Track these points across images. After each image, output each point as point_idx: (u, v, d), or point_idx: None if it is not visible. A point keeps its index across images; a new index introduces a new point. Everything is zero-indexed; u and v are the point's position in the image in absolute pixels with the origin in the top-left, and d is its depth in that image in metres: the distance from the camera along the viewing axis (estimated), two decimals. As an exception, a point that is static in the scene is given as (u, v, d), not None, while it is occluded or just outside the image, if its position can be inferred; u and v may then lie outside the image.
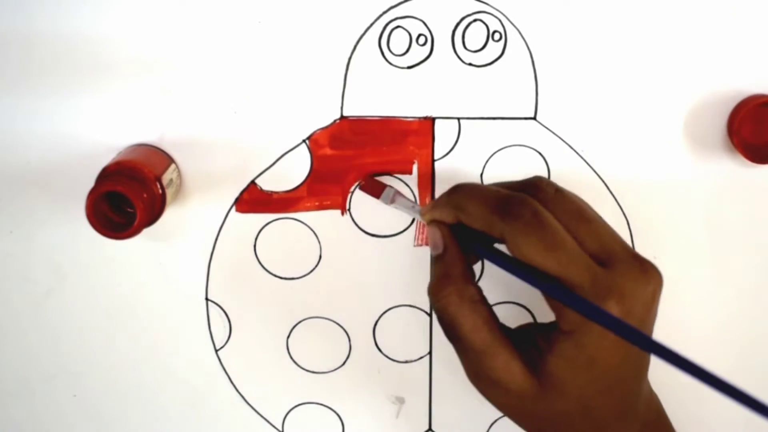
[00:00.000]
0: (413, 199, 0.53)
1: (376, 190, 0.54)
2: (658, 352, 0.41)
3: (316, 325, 0.57)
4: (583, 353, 0.43)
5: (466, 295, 0.45)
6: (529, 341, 0.45)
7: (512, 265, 0.44)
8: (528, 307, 0.58)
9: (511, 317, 0.58)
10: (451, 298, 0.44)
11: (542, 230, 0.42)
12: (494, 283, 0.57)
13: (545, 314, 0.58)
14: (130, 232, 0.48)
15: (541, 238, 0.42)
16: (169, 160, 0.54)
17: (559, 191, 0.45)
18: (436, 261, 0.47)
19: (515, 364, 0.44)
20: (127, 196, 0.48)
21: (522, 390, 0.44)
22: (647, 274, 0.43)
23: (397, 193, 0.53)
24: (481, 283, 0.57)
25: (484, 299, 0.46)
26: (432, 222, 0.47)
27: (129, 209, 0.50)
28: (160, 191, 0.51)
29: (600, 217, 0.45)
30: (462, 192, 0.46)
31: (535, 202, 0.43)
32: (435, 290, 0.45)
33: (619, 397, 0.45)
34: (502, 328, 0.46)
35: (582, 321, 0.42)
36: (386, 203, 0.53)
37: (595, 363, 0.43)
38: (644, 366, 0.47)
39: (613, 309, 0.41)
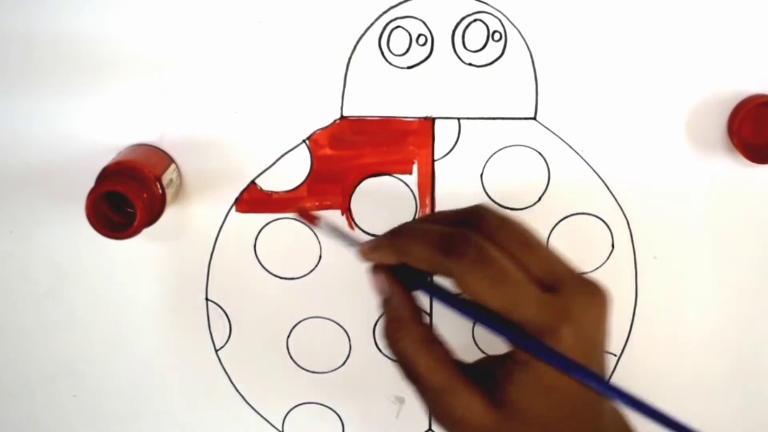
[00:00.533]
0: (351, 237, 0.49)
1: (311, 220, 0.52)
2: (602, 388, 0.42)
3: (316, 325, 0.57)
4: (541, 382, 0.42)
5: (418, 336, 0.44)
6: (487, 374, 0.45)
7: (458, 304, 0.44)
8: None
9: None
10: (406, 341, 0.44)
11: (488, 266, 0.42)
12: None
13: (545, 314, 0.58)
14: (130, 232, 0.48)
15: (488, 274, 0.41)
16: (169, 160, 0.54)
17: (502, 219, 0.45)
18: (384, 305, 0.46)
19: (475, 399, 0.43)
20: (127, 196, 0.48)
21: (485, 424, 0.43)
22: (594, 295, 0.44)
23: (336, 227, 0.50)
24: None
25: (437, 337, 0.45)
26: (373, 267, 0.46)
27: (129, 209, 0.50)
28: (160, 191, 0.51)
29: (544, 243, 0.45)
30: (404, 234, 0.45)
31: (478, 238, 0.43)
32: (387, 334, 0.45)
33: (584, 419, 0.45)
34: (460, 365, 0.45)
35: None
36: (324, 233, 0.51)
37: (554, 390, 0.43)
38: None
39: (565, 333, 0.41)
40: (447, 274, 0.42)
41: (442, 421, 0.45)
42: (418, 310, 0.46)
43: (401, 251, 0.44)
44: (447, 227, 0.44)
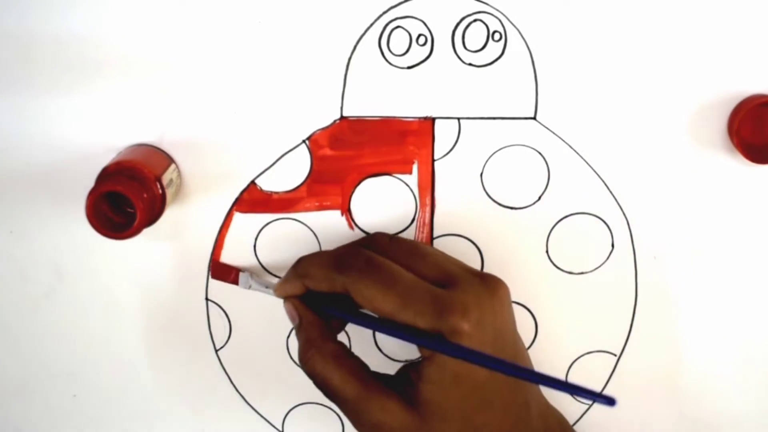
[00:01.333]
0: (266, 281, 0.55)
1: (227, 275, 0.56)
2: (494, 367, 0.43)
3: (264, 281, 0.57)
4: (447, 372, 0.44)
5: (327, 353, 0.47)
6: (404, 379, 0.47)
7: (358, 317, 0.47)
8: (528, 306, 0.58)
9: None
10: (315, 359, 0.47)
11: (377, 272, 0.45)
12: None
13: (545, 313, 0.58)
14: (130, 232, 0.48)
15: (377, 279, 0.44)
16: (169, 160, 0.54)
17: (393, 238, 0.49)
18: (297, 332, 0.49)
19: (391, 402, 0.46)
20: (127, 196, 0.48)
21: (404, 425, 0.45)
22: (490, 285, 0.46)
23: (252, 274, 0.55)
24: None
25: (348, 353, 0.48)
26: (285, 298, 0.50)
27: (129, 209, 0.50)
28: (160, 191, 0.51)
29: (437, 251, 0.49)
30: (304, 261, 0.49)
31: (367, 251, 0.46)
32: (300, 356, 0.48)
33: (502, 411, 0.47)
34: (376, 375, 0.48)
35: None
36: (245, 288, 0.55)
37: (461, 378, 0.44)
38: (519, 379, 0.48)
39: (460, 323, 0.43)
40: (343, 288, 0.46)
41: (363, 429, 0.47)
42: (326, 331, 0.49)
43: (303, 276, 0.48)
44: (338, 248, 0.49)
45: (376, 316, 0.47)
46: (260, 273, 0.56)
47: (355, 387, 0.46)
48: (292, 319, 0.50)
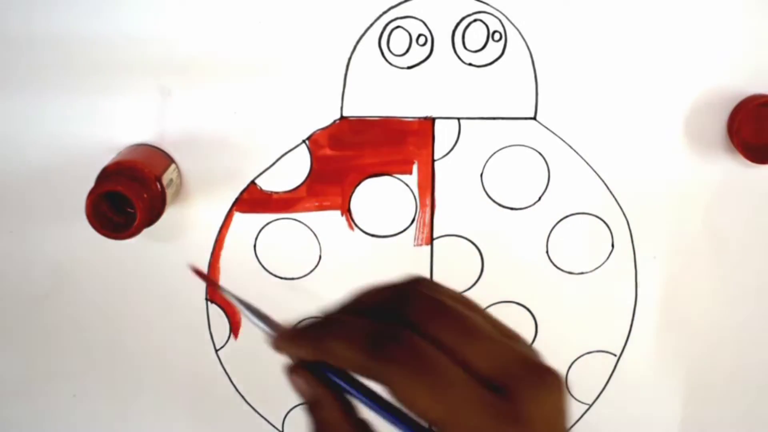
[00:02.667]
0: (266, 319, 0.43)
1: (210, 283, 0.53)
2: None
3: (252, 306, 0.57)
4: None
5: None
6: None
7: (392, 413, 0.37)
8: (528, 306, 0.58)
9: (511, 316, 0.57)
10: None
11: (425, 372, 0.36)
12: (494, 283, 0.57)
13: (545, 313, 0.58)
14: (131, 232, 0.48)
15: (425, 381, 0.35)
16: (169, 160, 0.54)
17: (440, 306, 0.38)
18: (310, 411, 0.40)
19: None
20: (127, 196, 0.48)
21: None
22: (547, 384, 0.37)
23: (249, 307, 0.44)
24: (481, 282, 0.57)
25: None
26: (290, 368, 0.40)
27: (129, 209, 0.50)
28: (160, 191, 0.51)
29: (486, 324, 0.38)
30: (324, 329, 0.38)
31: (412, 336, 0.36)
32: None
33: None
34: None
35: None
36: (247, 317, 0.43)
37: None
38: None
39: None
40: (376, 379, 0.37)
41: None
42: (348, 409, 0.39)
43: (321, 349, 0.38)
44: (373, 322, 0.38)
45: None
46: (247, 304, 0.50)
47: None
48: (301, 393, 0.40)
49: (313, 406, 0.39)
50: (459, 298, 0.39)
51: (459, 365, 0.36)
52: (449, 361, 0.36)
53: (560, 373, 0.38)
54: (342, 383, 0.38)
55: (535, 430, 0.36)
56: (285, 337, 0.40)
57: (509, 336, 0.38)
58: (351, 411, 0.39)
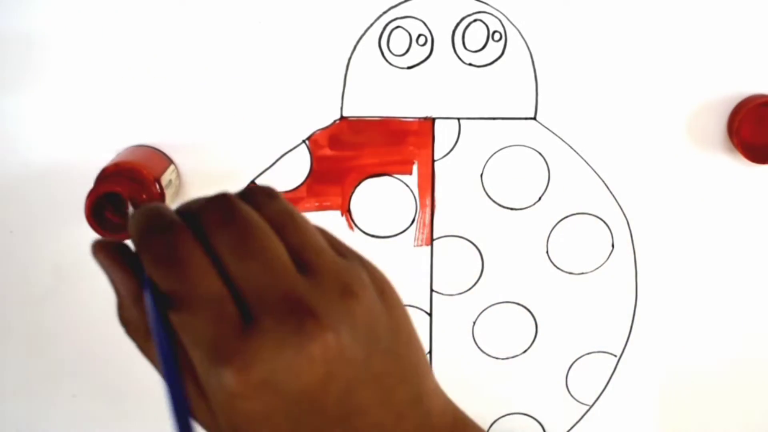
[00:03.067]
0: None
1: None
2: None
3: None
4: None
5: (141, 325, 0.36)
6: None
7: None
8: (528, 306, 0.58)
9: (511, 317, 0.58)
10: (130, 327, 0.37)
11: (169, 266, 0.33)
12: (494, 283, 0.57)
13: (545, 314, 0.58)
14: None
15: (166, 274, 0.33)
16: (168, 161, 0.54)
17: (232, 213, 0.34)
18: (111, 284, 0.37)
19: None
20: (126, 197, 0.48)
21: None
22: (301, 336, 0.31)
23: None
24: (481, 282, 0.57)
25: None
26: (96, 241, 0.37)
27: (128, 210, 0.50)
28: (159, 192, 0.51)
29: (279, 247, 0.33)
30: (136, 212, 0.36)
31: (181, 231, 0.33)
32: (118, 318, 0.37)
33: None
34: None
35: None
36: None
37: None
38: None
39: (241, 376, 0.31)
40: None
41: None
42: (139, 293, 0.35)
43: (129, 230, 0.36)
44: (157, 214, 0.35)
45: None
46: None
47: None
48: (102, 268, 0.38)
49: (108, 277, 0.37)
50: (283, 216, 0.34)
51: (222, 277, 0.32)
52: (207, 265, 0.33)
53: (343, 334, 0.31)
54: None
55: (255, 370, 0.31)
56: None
57: (314, 271, 0.33)
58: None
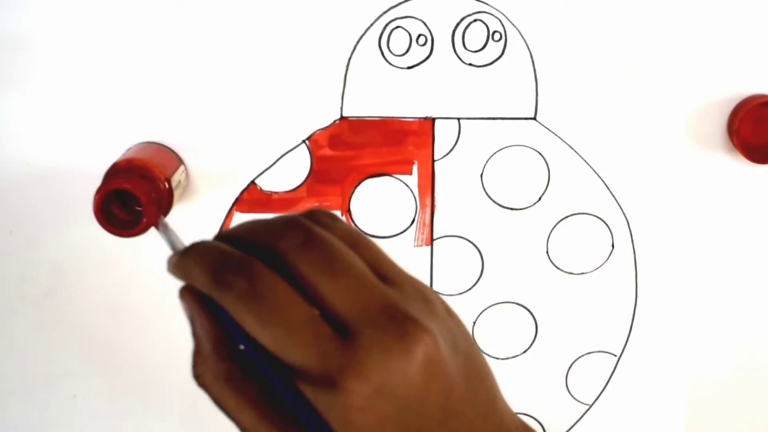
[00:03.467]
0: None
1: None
2: None
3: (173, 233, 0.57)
4: (350, 408, 0.33)
5: (221, 375, 0.37)
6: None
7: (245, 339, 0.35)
8: (528, 306, 0.58)
9: (511, 317, 0.58)
10: (206, 378, 0.37)
11: (258, 302, 0.34)
12: (494, 283, 0.57)
13: (545, 314, 0.58)
14: (137, 230, 0.48)
15: (257, 311, 0.34)
16: (178, 161, 0.54)
17: (307, 234, 0.35)
18: (192, 333, 0.38)
19: None
20: (136, 194, 0.47)
21: None
22: (405, 340, 0.33)
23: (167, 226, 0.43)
24: (481, 282, 0.57)
25: (246, 373, 0.37)
26: (181, 290, 0.38)
27: (137, 207, 0.50)
28: (168, 192, 0.50)
29: (361, 263, 0.35)
30: (191, 251, 0.37)
31: (257, 265, 0.34)
32: (192, 369, 0.38)
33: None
34: (277, 402, 0.37)
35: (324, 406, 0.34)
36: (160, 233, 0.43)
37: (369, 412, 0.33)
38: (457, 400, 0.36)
39: (356, 389, 0.32)
40: (222, 303, 0.35)
41: None
42: (222, 343, 0.37)
43: (186, 272, 0.37)
44: (226, 249, 0.36)
45: None
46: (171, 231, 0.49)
47: (250, 418, 0.37)
48: (186, 315, 0.38)
49: (192, 331, 0.37)
50: (352, 235, 0.36)
51: (311, 300, 0.34)
52: (292, 293, 0.34)
53: (429, 331, 0.33)
54: (217, 309, 0.36)
55: (378, 385, 0.32)
56: (173, 259, 0.38)
57: (394, 282, 0.35)
58: (227, 345, 0.37)
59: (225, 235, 0.37)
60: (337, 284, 0.34)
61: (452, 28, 0.54)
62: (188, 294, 0.37)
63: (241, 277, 0.34)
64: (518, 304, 0.57)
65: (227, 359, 0.37)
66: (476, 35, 0.54)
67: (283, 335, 0.33)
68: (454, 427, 0.35)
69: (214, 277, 0.35)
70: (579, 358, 0.58)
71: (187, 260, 0.37)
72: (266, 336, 0.33)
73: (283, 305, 0.34)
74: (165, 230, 0.42)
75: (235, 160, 0.55)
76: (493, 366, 0.54)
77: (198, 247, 0.37)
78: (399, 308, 0.33)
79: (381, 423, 0.33)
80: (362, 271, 0.34)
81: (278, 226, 0.36)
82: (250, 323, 0.34)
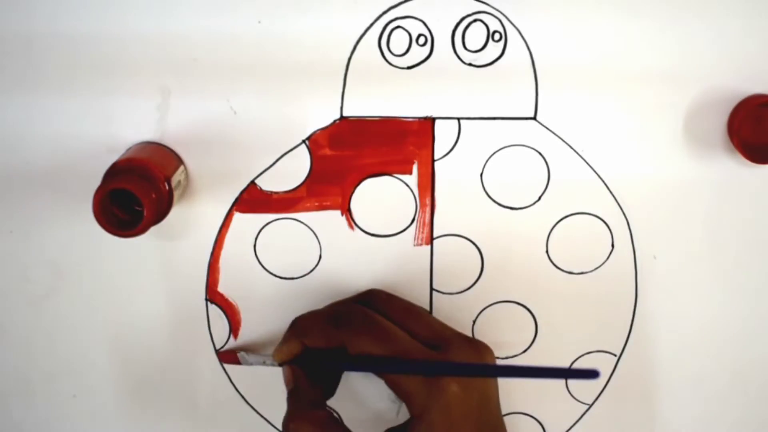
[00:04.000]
0: (263, 354, 0.56)
1: (233, 359, 0.58)
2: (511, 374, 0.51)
3: (259, 353, 0.57)
4: (434, 428, 0.47)
5: (316, 421, 0.49)
6: None
7: (355, 363, 0.49)
8: (528, 306, 0.58)
9: (512, 317, 0.58)
10: (303, 426, 0.49)
11: (373, 328, 0.48)
12: (494, 282, 0.57)
13: (545, 313, 0.58)
14: (137, 230, 0.48)
15: (374, 335, 0.48)
16: (178, 161, 0.54)
17: (389, 296, 0.53)
18: (288, 397, 0.51)
19: None
20: (136, 194, 0.47)
21: None
22: (480, 351, 0.49)
23: (247, 352, 0.57)
24: (481, 281, 0.57)
25: (335, 420, 0.50)
26: (283, 363, 0.52)
27: (137, 207, 0.50)
28: (168, 192, 0.50)
29: (430, 314, 0.54)
30: (300, 320, 0.52)
31: (364, 308, 0.50)
32: (288, 422, 0.50)
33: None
34: None
35: (423, 402, 0.47)
36: (247, 365, 0.57)
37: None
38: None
39: (450, 384, 0.46)
40: (340, 343, 0.49)
41: None
42: (318, 399, 0.51)
43: (302, 335, 0.51)
44: (339, 306, 0.52)
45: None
46: (254, 349, 0.57)
47: None
48: (287, 383, 0.52)
49: (291, 392, 0.51)
50: (409, 303, 0.53)
51: (402, 330, 0.49)
52: (395, 326, 0.49)
53: (490, 349, 0.50)
54: (321, 362, 0.51)
55: (465, 383, 0.47)
56: (277, 348, 0.52)
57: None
58: (320, 401, 0.51)
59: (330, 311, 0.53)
60: (420, 322, 0.50)
61: (452, 28, 0.54)
62: (290, 365, 0.52)
63: (357, 315, 0.49)
64: (518, 303, 0.58)
65: (322, 409, 0.51)
66: (476, 35, 0.54)
67: (397, 346, 0.47)
68: (500, 418, 0.50)
69: (335, 321, 0.49)
70: (579, 357, 0.58)
71: (299, 326, 0.52)
72: (384, 350, 0.47)
73: (392, 330, 0.48)
74: (246, 359, 0.57)
75: (235, 160, 0.55)
76: (493, 366, 0.53)
77: (305, 315, 0.52)
78: (465, 335, 0.51)
79: (466, 412, 0.46)
80: (431, 316, 0.53)
81: (360, 294, 0.54)
82: (368, 347, 0.47)
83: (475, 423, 0.47)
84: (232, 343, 0.57)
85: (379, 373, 0.49)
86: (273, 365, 0.53)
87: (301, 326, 0.52)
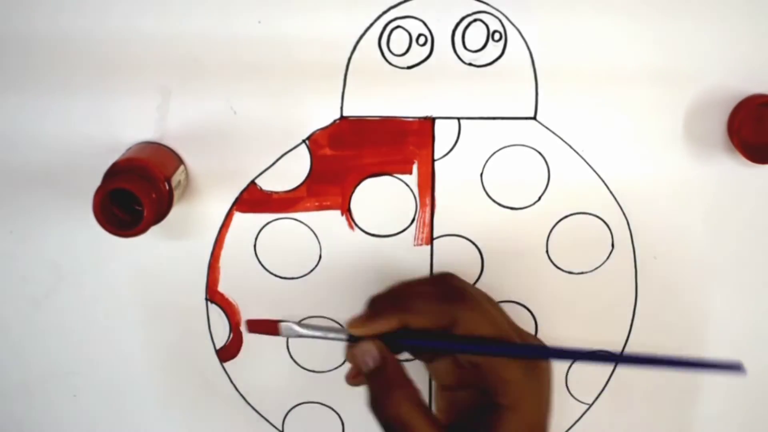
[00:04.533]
0: (325, 324, 0.52)
1: (269, 328, 0.49)
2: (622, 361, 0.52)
3: (316, 324, 0.57)
4: (526, 419, 0.46)
5: (416, 398, 0.46)
6: (478, 426, 0.47)
7: (462, 343, 0.47)
8: (528, 306, 0.58)
9: (512, 316, 0.58)
10: (403, 404, 0.45)
11: (486, 309, 0.48)
12: (494, 282, 0.57)
13: (545, 313, 0.58)
14: (137, 230, 0.48)
15: (488, 316, 0.47)
16: (178, 161, 0.54)
17: (463, 281, 0.51)
18: (373, 375, 0.47)
19: None
20: (137, 194, 0.48)
21: None
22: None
23: (298, 324, 0.49)
24: (481, 283, 0.57)
25: (425, 401, 0.47)
26: (366, 338, 0.47)
27: (137, 207, 0.50)
28: (168, 192, 0.50)
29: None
30: (404, 295, 0.49)
31: (469, 286, 0.50)
32: (382, 401, 0.46)
33: None
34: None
35: (521, 391, 0.46)
36: (290, 336, 0.49)
37: (537, 425, 0.47)
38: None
39: (548, 375, 0.48)
40: (451, 320, 0.47)
41: None
42: (407, 376, 0.47)
43: (406, 310, 0.47)
44: (435, 280, 0.52)
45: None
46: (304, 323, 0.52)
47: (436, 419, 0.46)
48: (372, 359, 0.47)
49: (380, 370, 0.47)
50: None
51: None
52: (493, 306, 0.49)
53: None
54: (410, 342, 0.48)
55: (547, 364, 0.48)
56: (362, 318, 0.48)
57: None
58: (410, 379, 0.47)
59: (405, 283, 0.50)
60: (501, 310, 0.50)
61: (452, 28, 0.54)
62: (377, 341, 0.47)
63: (467, 296, 0.48)
64: (518, 303, 0.58)
65: (416, 388, 0.47)
66: (476, 35, 0.54)
67: (506, 327, 0.48)
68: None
69: (449, 298, 0.48)
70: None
71: (404, 300, 0.48)
72: (496, 329, 0.47)
73: (496, 309, 0.49)
74: (294, 330, 0.49)
75: (235, 160, 0.55)
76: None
77: (407, 290, 0.49)
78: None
79: (549, 408, 0.47)
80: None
81: (437, 277, 0.53)
82: (483, 326, 0.47)
83: (547, 422, 0.48)
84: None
85: (475, 358, 0.47)
86: (337, 338, 0.48)
87: (410, 302, 0.48)
